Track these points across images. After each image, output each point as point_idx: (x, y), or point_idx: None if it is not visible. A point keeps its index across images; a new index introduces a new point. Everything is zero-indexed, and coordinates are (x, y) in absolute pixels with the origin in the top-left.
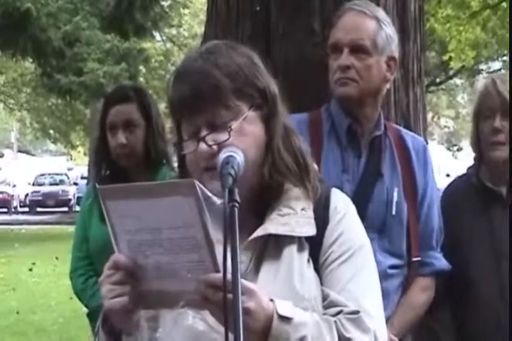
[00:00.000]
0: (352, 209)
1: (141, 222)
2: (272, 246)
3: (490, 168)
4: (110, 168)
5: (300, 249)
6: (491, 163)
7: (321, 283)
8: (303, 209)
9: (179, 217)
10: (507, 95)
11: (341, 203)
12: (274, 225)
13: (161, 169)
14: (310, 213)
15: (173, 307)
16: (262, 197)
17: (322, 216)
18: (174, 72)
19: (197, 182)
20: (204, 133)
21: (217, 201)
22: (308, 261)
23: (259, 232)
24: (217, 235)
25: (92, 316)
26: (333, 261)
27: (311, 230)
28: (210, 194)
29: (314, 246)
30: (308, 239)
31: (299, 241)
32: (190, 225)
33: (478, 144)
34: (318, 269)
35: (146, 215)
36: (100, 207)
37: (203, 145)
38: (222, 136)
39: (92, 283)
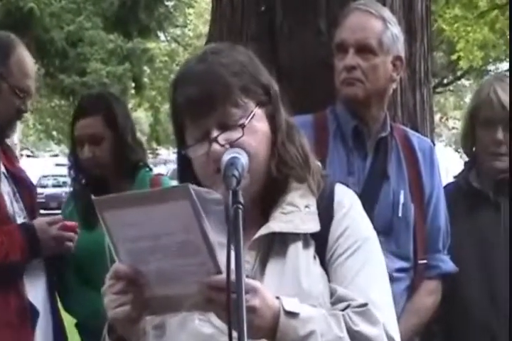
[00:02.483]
0: (357, 202)
1: (139, 229)
2: (278, 245)
3: (482, 174)
4: (86, 178)
5: (306, 246)
6: (486, 171)
7: (329, 279)
8: (306, 207)
9: (176, 222)
10: (508, 106)
11: (345, 197)
12: (277, 223)
13: (138, 172)
14: (314, 209)
15: (179, 311)
16: (269, 194)
17: (326, 211)
18: (177, 76)
19: (191, 186)
20: (216, 133)
21: (217, 196)
22: (315, 257)
23: (263, 231)
24: (221, 238)
25: (80, 328)
26: (339, 255)
27: (315, 226)
28: (207, 195)
29: (320, 242)
30: (313, 235)
31: (304, 237)
32: (188, 230)
33: (471, 148)
34: (325, 265)
35: (144, 223)
36: (81, 215)
37: (215, 146)
38: (235, 134)
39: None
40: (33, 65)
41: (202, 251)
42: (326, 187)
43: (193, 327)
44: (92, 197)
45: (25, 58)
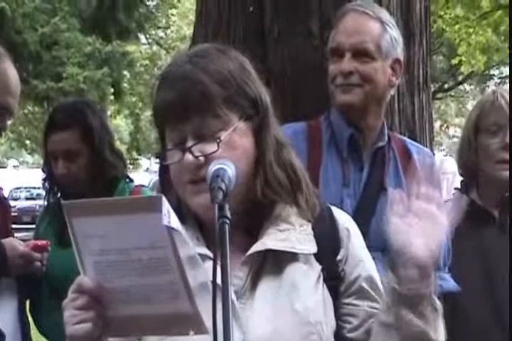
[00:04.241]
0: (356, 227)
1: (107, 241)
2: (271, 263)
3: (486, 189)
4: (62, 191)
5: (307, 269)
6: (492, 183)
7: (340, 305)
8: (301, 226)
9: (147, 235)
10: None
11: (349, 223)
12: (273, 240)
13: (117, 185)
14: (309, 230)
15: (143, 334)
16: (253, 213)
17: (331, 236)
18: (160, 76)
19: (164, 197)
20: (190, 143)
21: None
22: (318, 281)
23: (259, 247)
24: (201, 249)
25: None
26: (353, 293)
27: (312, 248)
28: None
29: (329, 268)
30: (319, 259)
31: (306, 259)
32: (159, 244)
33: (474, 162)
34: (335, 293)
35: (113, 234)
36: (56, 234)
37: (188, 156)
38: (210, 148)
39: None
40: (17, 83)
41: (172, 268)
42: (323, 209)
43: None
44: (62, 201)
45: (9, 73)
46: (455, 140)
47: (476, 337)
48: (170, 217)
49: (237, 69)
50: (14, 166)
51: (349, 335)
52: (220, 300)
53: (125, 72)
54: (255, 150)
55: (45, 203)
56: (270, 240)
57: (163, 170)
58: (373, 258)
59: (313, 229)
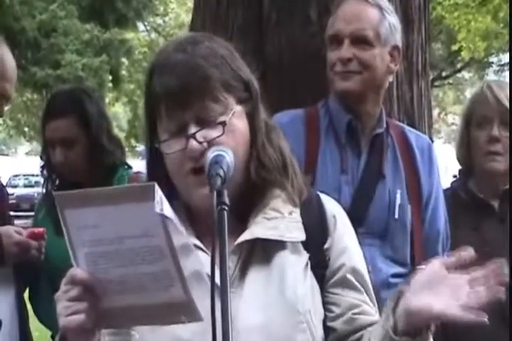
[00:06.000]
0: (346, 216)
1: (100, 231)
2: (260, 251)
3: (482, 181)
4: (60, 178)
5: (295, 257)
6: (485, 175)
7: (323, 294)
8: (290, 213)
9: (140, 224)
10: (506, 102)
11: (337, 211)
12: (261, 229)
13: (116, 172)
14: (298, 217)
15: (137, 324)
16: (246, 197)
17: (318, 223)
18: (152, 66)
19: (157, 186)
20: (193, 129)
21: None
22: (306, 269)
23: (247, 236)
24: (192, 239)
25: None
26: (337, 282)
27: (301, 235)
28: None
29: (316, 256)
30: (306, 247)
31: (293, 247)
32: (153, 233)
33: (468, 155)
34: (321, 281)
35: (106, 224)
36: (54, 222)
37: (193, 143)
38: (214, 133)
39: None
40: (13, 69)
41: (166, 257)
42: (312, 196)
43: (167, 329)
44: (53, 192)
45: (5, 59)
46: (453, 127)
47: (476, 333)
48: (163, 205)
49: (228, 54)
50: (26, 153)
51: (329, 324)
52: (213, 290)
53: (123, 60)
54: (249, 133)
55: (44, 191)
56: (259, 228)
57: (151, 166)
58: (371, 244)
59: (301, 216)
